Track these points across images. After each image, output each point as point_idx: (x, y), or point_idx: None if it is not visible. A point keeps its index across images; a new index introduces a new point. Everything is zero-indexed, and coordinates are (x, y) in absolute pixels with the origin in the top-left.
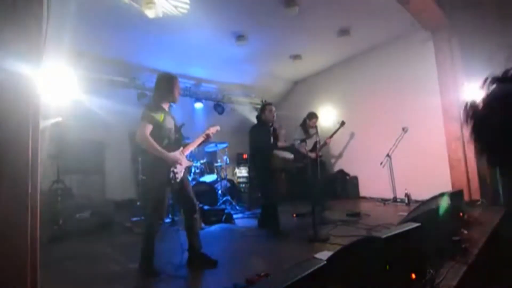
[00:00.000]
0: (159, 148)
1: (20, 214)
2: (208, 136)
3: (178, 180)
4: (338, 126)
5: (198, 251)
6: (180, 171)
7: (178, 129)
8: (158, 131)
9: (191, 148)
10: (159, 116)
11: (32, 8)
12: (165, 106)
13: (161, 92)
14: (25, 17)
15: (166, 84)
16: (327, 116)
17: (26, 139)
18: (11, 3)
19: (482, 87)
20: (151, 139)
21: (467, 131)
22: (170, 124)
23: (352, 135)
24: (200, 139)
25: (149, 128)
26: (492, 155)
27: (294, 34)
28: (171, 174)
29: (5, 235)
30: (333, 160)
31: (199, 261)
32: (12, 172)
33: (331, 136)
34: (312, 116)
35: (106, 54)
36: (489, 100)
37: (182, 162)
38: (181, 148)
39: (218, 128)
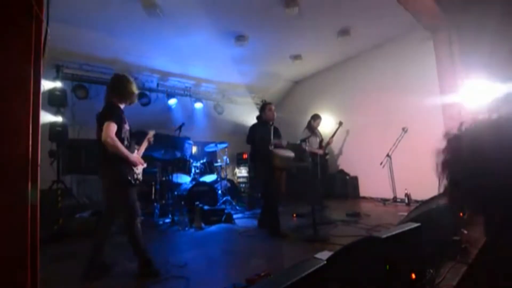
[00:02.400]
0: (125, 150)
1: (20, 214)
2: (149, 141)
3: (140, 181)
4: (337, 126)
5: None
6: (140, 172)
7: (130, 131)
8: (120, 132)
9: (142, 151)
10: (121, 117)
11: (32, 8)
12: (122, 107)
13: (120, 93)
14: (25, 17)
15: (126, 86)
16: (327, 115)
17: (26, 139)
18: (12, 3)
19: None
20: (118, 140)
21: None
22: (127, 125)
23: (347, 132)
24: (145, 144)
25: (115, 128)
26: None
27: (294, 34)
28: (135, 175)
29: (5, 235)
30: (335, 155)
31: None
32: (12, 172)
33: (333, 136)
34: (316, 117)
35: (106, 54)
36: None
37: (142, 163)
38: (136, 150)
39: (154, 132)
